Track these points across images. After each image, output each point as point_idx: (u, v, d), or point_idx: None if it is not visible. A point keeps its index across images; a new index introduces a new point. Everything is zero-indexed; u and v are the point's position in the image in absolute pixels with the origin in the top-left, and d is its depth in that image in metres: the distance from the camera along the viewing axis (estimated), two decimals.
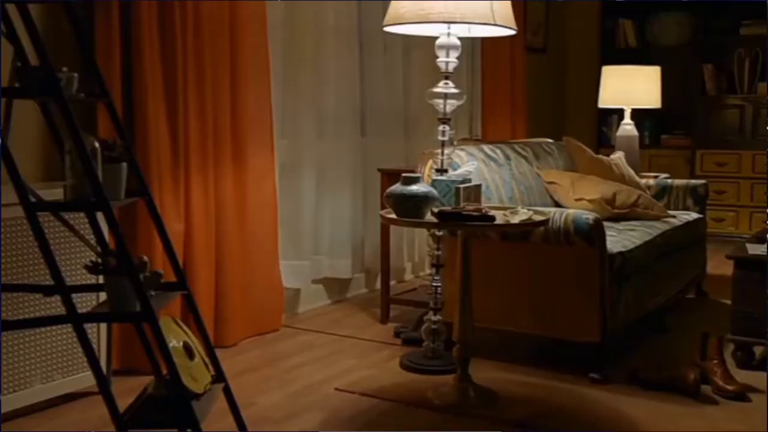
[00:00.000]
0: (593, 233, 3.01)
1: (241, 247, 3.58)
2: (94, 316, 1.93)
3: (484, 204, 3.02)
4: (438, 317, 3.32)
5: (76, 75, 2.06)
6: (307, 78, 4.13)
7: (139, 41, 3.06)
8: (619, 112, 5.31)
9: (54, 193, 2.57)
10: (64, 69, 1.98)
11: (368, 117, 4.62)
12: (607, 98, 5.04)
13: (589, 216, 3.04)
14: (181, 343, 2.12)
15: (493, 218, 2.66)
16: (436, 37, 3.12)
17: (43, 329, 2.64)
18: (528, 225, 2.78)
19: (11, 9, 2.12)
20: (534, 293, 3.17)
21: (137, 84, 3.09)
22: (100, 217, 2.19)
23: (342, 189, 4.39)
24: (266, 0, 3.66)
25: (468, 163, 3.36)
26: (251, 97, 3.59)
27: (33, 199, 1.90)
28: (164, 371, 2.06)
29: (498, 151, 3.79)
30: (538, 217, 2.78)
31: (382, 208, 3.83)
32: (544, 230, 3.05)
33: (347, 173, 4.41)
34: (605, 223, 3.19)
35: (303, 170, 4.15)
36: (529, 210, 2.84)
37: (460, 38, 3.11)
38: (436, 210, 2.67)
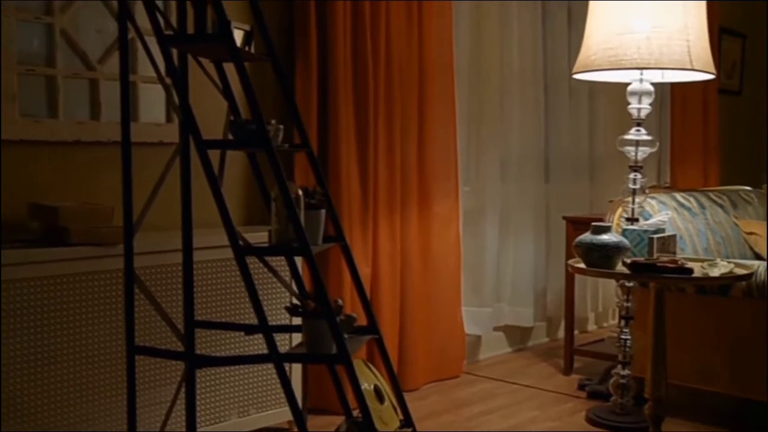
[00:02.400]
0: None
1: (424, 292, 3.63)
2: (294, 357, 2.01)
3: (679, 255, 2.88)
4: (627, 371, 3.18)
5: (281, 127, 2.20)
6: (492, 123, 4.15)
7: (335, 94, 3.22)
8: None
9: (253, 237, 2.74)
10: (273, 122, 2.11)
11: (552, 162, 4.57)
12: None
13: None
14: (372, 387, 2.16)
15: (690, 271, 2.53)
16: (626, 83, 3.05)
17: (240, 366, 2.79)
18: (729, 278, 2.63)
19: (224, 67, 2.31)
20: (733, 351, 2.97)
21: (332, 134, 3.24)
22: (296, 260, 2.31)
23: (525, 235, 4.35)
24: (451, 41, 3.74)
25: (661, 213, 3.23)
26: (438, 144, 3.66)
27: (242, 244, 2.02)
28: (356, 413, 2.11)
29: (691, 199, 3.62)
30: (740, 271, 2.62)
31: (567, 256, 3.77)
32: (746, 284, 2.87)
33: (530, 219, 4.36)
34: None
35: (486, 216, 4.16)
36: (728, 263, 2.68)
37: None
38: (628, 261, 2.58)
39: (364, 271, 3.33)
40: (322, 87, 3.25)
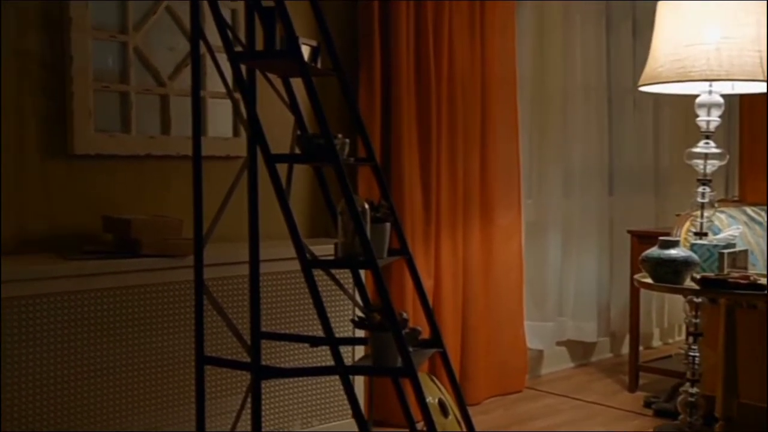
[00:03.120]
0: None
1: (486, 305, 3.61)
2: (359, 369, 2.03)
3: (750, 271, 2.81)
4: (696, 389, 3.11)
5: (347, 141, 2.22)
6: (555, 136, 4.12)
7: (398, 107, 3.24)
8: None
9: (316, 249, 2.76)
10: (339, 136, 2.13)
11: (616, 175, 4.51)
12: None
13: None
14: (437, 400, 2.16)
15: (763, 287, 2.47)
16: (694, 95, 3.00)
17: (303, 377, 2.82)
18: None
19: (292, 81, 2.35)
20: None
21: (394, 147, 3.26)
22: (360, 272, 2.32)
23: (588, 249, 4.29)
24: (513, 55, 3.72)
25: (731, 227, 3.16)
26: (500, 157, 3.65)
27: (309, 257, 2.05)
28: (419, 426, 2.11)
29: (763, 213, 3.53)
30: None
31: (632, 270, 3.70)
32: None
33: (594, 233, 4.31)
34: None
35: (548, 229, 4.12)
36: None
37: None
38: (698, 276, 2.53)
39: (427, 284, 3.33)
40: (385, 99, 3.27)
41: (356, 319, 2.09)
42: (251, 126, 2.06)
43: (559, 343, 4.21)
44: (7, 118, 2.49)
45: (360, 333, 2.86)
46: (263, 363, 2.27)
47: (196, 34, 2.11)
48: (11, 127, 2.50)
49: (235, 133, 2.98)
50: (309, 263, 2.00)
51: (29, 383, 2.28)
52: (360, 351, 2.91)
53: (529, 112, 4.03)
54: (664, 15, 2.93)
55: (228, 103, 2.92)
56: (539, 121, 4.09)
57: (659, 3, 2.96)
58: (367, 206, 2.09)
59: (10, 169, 2.51)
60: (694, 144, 3.05)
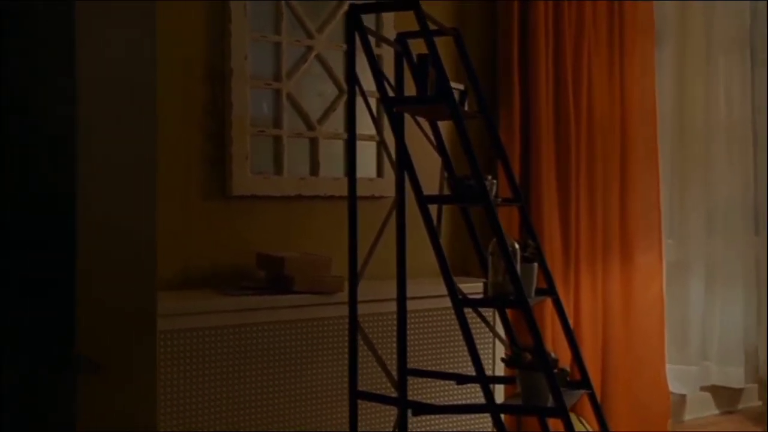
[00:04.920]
0: None
1: (626, 346, 3.54)
2: (512, 408, 2.05)
3: None
4: None
5: (495, 182, 2.27)
6: (696, 173, 4.01)
7: (537, 147, 3.26)
8: None
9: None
10: (489, 177, 2.18)
11: (762, 214, 4.33)
12: None
13: None
14: None
15: None
16: None
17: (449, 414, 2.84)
18: None
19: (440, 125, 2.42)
20: None
21: (533, 186, 3.28)
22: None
23: (733, 290, 4.13)
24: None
25: None
26: (640, 195, 3.60)
27: (459, 296, 2.09)
28: None
29: None
30: None
31: None
32: None
33: (739, 273, 4.14)
34: None
35: (691, 270, 4.00)
36: None
37: None
38: None
39: None
40: (524, 138, 3.30)
41: (505, 357, 2.12)
42: (405, 169, 2.13)
43: (703, 388, 4.05)
44: (174, 161, 2.68)
45: (499, 370, 2.88)
46: (410, 398, 2.32)
47: (352, 81, 2.22)
48: (178, 170, 2.69)
49: (379, 173, 3.08)
50: (461, 302, 2.04)
51: (187, 412, 2.41)
52: (500, 389, 2.91)
53: (669, 149, 3.95)
54: None
55: (371, 144, 3.02)
56: (680, 159, 4.00)
57: None
58: (517, 246, 2.12)
59: (177, 210, 2.69)
60: None
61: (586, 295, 3.40)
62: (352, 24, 2.17)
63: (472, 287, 2.79)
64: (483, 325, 2.75)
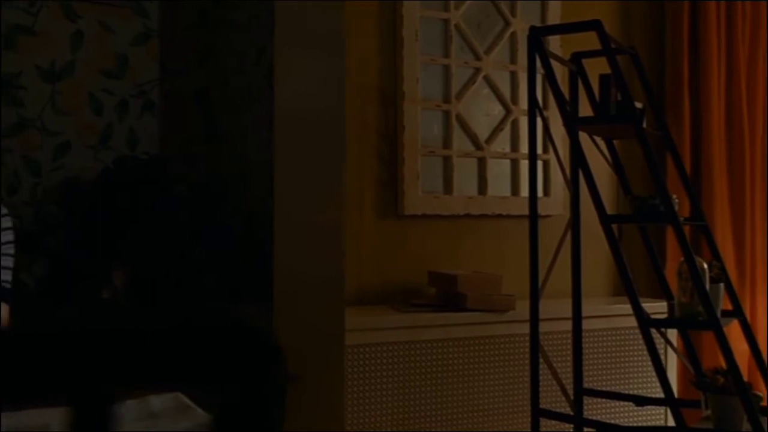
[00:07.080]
0: None
1: None
2: None
3: None
4: None
5: (677, 201, 2.23)
6: None
7: (708, 164, 3.17)
8: None
9: (621, 308, 2.75)
10: (674, 197, 2.15)
11: None
12: None
13: None
14: None
15: None
16: None
17: None
18: None
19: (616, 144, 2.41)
20: None
21: (705, 204, 3.17)
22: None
23: None
24: None
25: None
26: None
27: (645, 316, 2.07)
28: None
29: None
30: None
31: None
32: None
33: None
34: None
35: None
36: None
37: None
38: None
39: (741, 348, 3.17)
40: (695, 155, 3.22)
41: (696, 380, 2.07)
42: (589, 187, 2.13)
43: None
44: (350, 182, 2.79)
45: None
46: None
47: (533, 102, 2.25)
48: (353, 190, 2.79)
49: (545, 192, 3.08)
50: (648, 322, 2.02)
51: (368, 424, 2.49)
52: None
53: None
54: None
55: (538, 164, 3.03)
56: None
57: None
58: (705, 267, 2.08)
59: (353, 228, 2.79)
60: None
61: (762, 315, 3.26)
62: (533, 45, 2.20)
63: (648, 307, 2.74)
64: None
